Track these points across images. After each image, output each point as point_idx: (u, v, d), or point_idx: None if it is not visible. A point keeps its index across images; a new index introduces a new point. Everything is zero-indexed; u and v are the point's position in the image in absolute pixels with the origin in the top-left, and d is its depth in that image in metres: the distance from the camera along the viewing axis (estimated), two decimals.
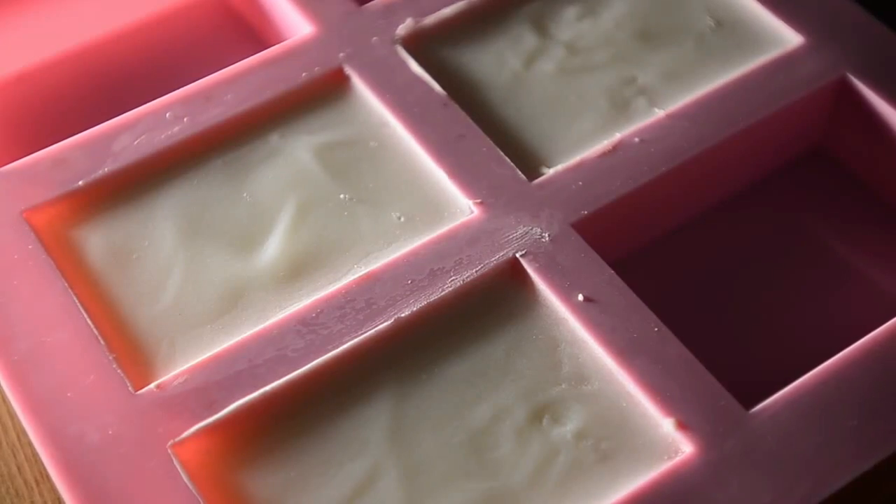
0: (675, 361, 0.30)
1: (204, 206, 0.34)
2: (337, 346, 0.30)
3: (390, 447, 0.29)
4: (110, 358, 0.30)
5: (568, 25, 0.39)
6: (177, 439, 0.29)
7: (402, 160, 0.35)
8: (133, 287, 0.32)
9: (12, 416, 0.34)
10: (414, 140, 0.35)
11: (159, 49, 0.41)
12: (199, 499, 0.28)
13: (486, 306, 0.32)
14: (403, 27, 0.38)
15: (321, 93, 0.37)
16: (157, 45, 0.41)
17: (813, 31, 0.38)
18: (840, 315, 0.34)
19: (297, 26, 0.39)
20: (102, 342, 0.30)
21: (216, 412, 0.29)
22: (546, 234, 0.33)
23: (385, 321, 0.31)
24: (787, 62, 0.37)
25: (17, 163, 0.34)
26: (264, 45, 0.39)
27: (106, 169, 0.34)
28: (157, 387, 0.30)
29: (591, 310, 0.31)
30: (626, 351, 0.30)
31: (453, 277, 0.32)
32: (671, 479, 0.28)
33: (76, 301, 0.31)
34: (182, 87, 0.36)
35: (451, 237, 0.33)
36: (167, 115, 0.35)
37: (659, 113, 0.36)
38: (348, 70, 0.37)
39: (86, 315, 0.31)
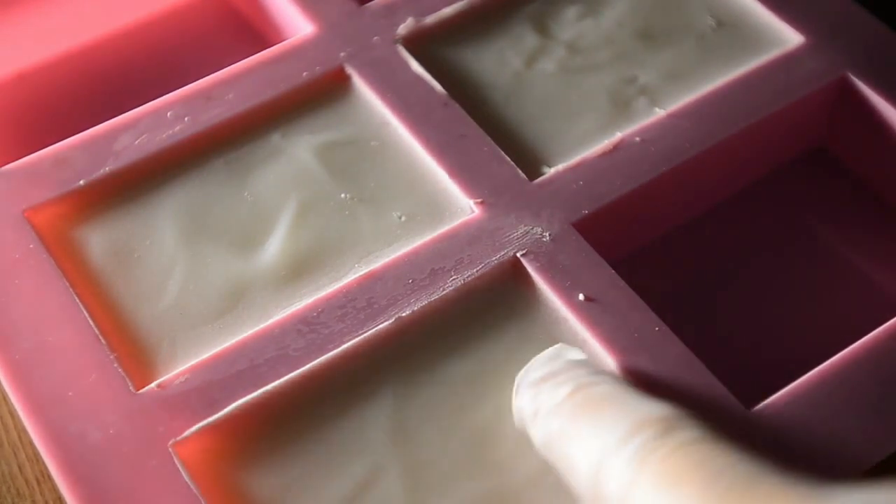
0: (675, 361, 0.30)
1: (205, 206, 0.34)
2: (338, 346, 0.30)
3: (391, 447, 0.29)
4: (111, 357, 0.30)
5: (569, 25, 0.39)
6: (178, 438, 0.29)
7: (403, 160, 0.35)
8: (134, 286, 0.32)
9: (13, 415, 0.34)
10: (415, 139, 0.35)
11: (159, 49, 0.41)
12: (200, 498, 0.28)
13: (486, 306, 0.32)
14: (404, 27, 0.38)
15: (322, 92, 0.37)
16: (157, 44, 0.41)
17: (813, 31, 0.38)
18: (840, 315, 0.34)
19: (298, 26, 0.39)
20: (104, 341, 0.30)
21: (217, 411, 0.29)
22: (547, 234, 0.33)
23: (386, 320, 0.31)
24: (787, 62, 0.37)
25: (18, 162, 0.34)
26: (265, 45, 0.39)
27: (107, 168, 0.34)
28: (159, 386, 0.30)
29: (592, 309, 0.31)
30: (626, 350, 0.30)
31: (454, 277, 0.32)
32: None
33: (77, 300, 0.31)
34: (183, 86, 0.36)
35: (451, 237, 0.33)
36: (168, 114, 0.35)
37: (660, 112, 0.36)
38: (349, 69, 0.37)
39: (87, 314, 0.31)
